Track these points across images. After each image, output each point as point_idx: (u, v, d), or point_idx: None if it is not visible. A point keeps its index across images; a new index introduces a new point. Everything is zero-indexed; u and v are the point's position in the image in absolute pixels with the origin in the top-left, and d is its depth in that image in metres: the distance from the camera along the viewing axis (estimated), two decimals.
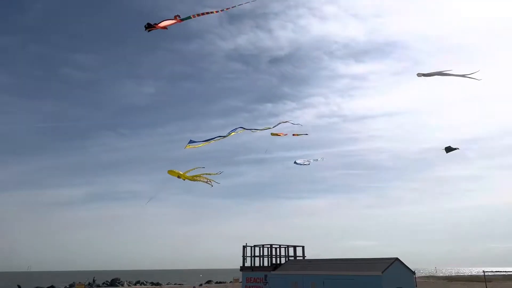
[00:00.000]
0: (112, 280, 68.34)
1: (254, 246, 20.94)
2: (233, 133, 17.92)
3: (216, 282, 72.73)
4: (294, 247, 21.24)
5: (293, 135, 21.02)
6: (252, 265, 20.77)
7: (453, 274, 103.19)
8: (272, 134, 19.78)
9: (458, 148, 20.20)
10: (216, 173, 17.75)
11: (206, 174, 17.43)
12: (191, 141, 16.51)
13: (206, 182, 17.70)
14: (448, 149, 20.05)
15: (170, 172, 16.49)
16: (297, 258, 21.05)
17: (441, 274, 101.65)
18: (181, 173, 16.87)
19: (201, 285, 59.07)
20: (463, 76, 15.31)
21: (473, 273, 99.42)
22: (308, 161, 23.73)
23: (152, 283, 72.40)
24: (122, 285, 64.78)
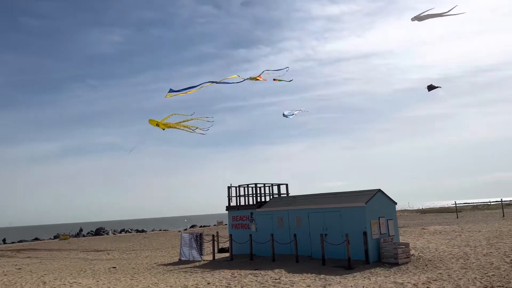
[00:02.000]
0: (97, 229, 69.05)
1: (239, 186, 21.07)
2: (211, 83, 17.35)
3: (201, 226, 74.51)
4: (278, 185, 21.48)
5: (274, 79, 20.09)
6: (238, 204, 21.01)
7: (426, 207, 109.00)
8: (251, 78, 19.06)
9: (440, 87, 20.20)
10: (206, 118, 17.37)
11: (188, 121, 17.06)
12: (171, 90, 16.22)
13: (191, 130, 17.36)
14: (430, 88, 20.02)
15: (150, 121, 16.30)
16: (281, 195, 21.36)
17: (414, 208, 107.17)
18: (159, 121, 16.57)
19: (185, 229, 60.39)
20: (453, 14, 15.16)
21: (444, 206, 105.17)
22: (295, 111, 23.29)
23: (137, 231, 73.57)
24: (107, 233, 65.58)
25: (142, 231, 72.50)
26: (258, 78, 19.37)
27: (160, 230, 75.77)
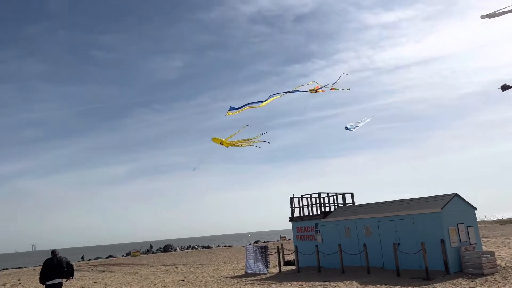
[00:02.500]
0: (165, 246, 71.24)
1: (302, 196, 20.58)
2: (275, 98, 17.33)
3: (264, 242, 74.28)
4: (343, 194, 20.68)
5: (331, 89, 19.52)
6: (302, 215, 20.48)
7: (505, 217, 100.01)
8: (310, 90, 18.71)
9: None
10: (260, 136, 17.36)
11: (249, 140, 17.14)
12: (231, 108, 16.41)
13: (251, 145, 17.39)
14: (505, 88, 18.43)
15: (214, 139, 16.51)
16: (347, 205, 20.52)
17: (492, 219, 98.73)
18: (223, 140, 16.78)
19: (250, 244, 60.28)
20: None
21: None
22: (358, 123, 21.42)
23: (203, 247, 74.98)
24: (175, 250, 67.43)
25: (208, 247, 73.76)
26: (317, 89, 18.97)
27: (224, 246, 76.62)
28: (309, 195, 20.30)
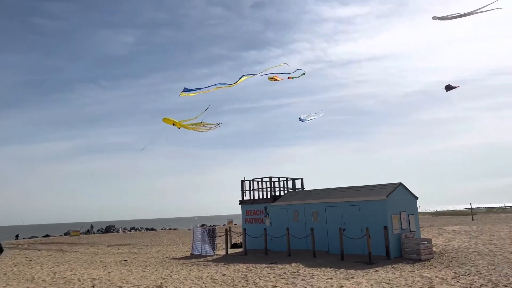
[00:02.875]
0: (107, 227, 69.02)
1: (253, 179, 20.56)
2: (238, 82, 16.91)
3: (210, 226, 74.11)
4: (293, 179, 20.93)
5: (288, 78, 19.45)
6: (252, 198, 20.50)
7: (438, 210, 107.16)
8: (269, 78, 18.55)
9: (458, 87, 19.46)
10: (216, 124, 16.97)
11: (204, 124, 16.71)
12: (185, 89, 15.83)
13: (204, 131, 16.96)
14: (448, 88, 19.37)
15: (165, 120, 15.94)
16: (297, 190, 20.79)
17: (426, 211, 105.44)
18: (176, 121, 16.25)
19: (197, 227, 59.91)
20: (484, 11, 14.21)
21: (457, 209, 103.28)
22: (312, 116, 21.57)
23: (147, 229, 73.50)
24: (117, 231, 65.54)
25: (152, 229, 72.39)
26: (275, 78, 18.86)
27: (170, 228, 75.60)
28: (260, 179, 20.33)
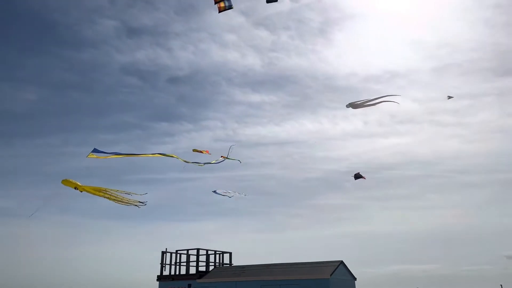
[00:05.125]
0: None
1: (177, 251, 18.07)
2: (152, 155, 15.47)
3: None
4: (222, 253, 18.87)
5: (222, 156, 18.50)
6: (174, 273, 17.80)
7: None
8: (194, 150, 17.45)
9: (364, 178, 20.34)
10: (140, 202, 14.68)
11: (118, 192, 14.33)
12: (95, 150, 13.96)
13: (122, 202, 14.49)
14: (357, 177, 20.34)
15: (66, 182, 13.44)
16: (225, 265, 18.68)
17: None
18: (79, 184, 13.92)
19: None
20: (386, 101, 15.36)
21: None
22: (229, 193, 20.38)
23: None
24: None
25: None
26: (202, 151, 17.78)
27: None
28: (186, 250, 17.90)
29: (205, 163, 16.92)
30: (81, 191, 14.02)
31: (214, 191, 20.35)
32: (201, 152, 17.27)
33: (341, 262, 15.32)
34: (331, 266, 14.85)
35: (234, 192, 20.37)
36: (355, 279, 16.20)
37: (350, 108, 16.23)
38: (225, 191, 20.32)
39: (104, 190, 14.34)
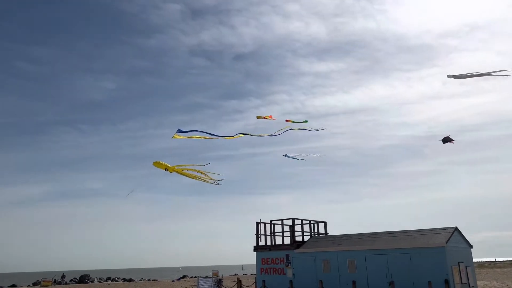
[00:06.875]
0: (81, 277, 63.23)
1: (271, 221, 17.71)
2: (234, 137, 15.23)
3: (191, 277, 69.01)
4: (317, 222, 18.17)
5: (286, 120, 17.42)
6: (270, 243, 17.51)
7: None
8: (258, 117, 16.70)
9: (455, 140, 18.23)
10: (218, 180, 14.71)
11: (200, 172, 14.42)
12: (179, 131, 14.11)
13: (204, 179, 14.60)
14: (445, 140, 18.16)
15: (156, 164, 13.74)
16: (320, 235, 17.98)
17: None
18: (169, 165, 14.09)
19: (178, 279, 55.18)
20: (499, 75, 13.18)
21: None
22: (302, 155, 19.51)
23: (124, 279, 67.87)
24: (92, 281, 60.00)
25: (130, 280, 66.65)
26: (266, 117, 17.08)
27: (149, 279, 69.84)
28: (281, 220, 17.47)
29: (273, 134, 16.26)
30: (171, 172, 14.30)
31: (285, 155, 19.82)
32: (264, 118, 16.82)
33: (456, 229, 13.76)
34: (446, 233, 13.37)
35: (305, 154, 19.67)
36: (471, 247, 14.56)
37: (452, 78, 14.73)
38: (295, 154, 19.77)
39: (191, 169, 14.51)
